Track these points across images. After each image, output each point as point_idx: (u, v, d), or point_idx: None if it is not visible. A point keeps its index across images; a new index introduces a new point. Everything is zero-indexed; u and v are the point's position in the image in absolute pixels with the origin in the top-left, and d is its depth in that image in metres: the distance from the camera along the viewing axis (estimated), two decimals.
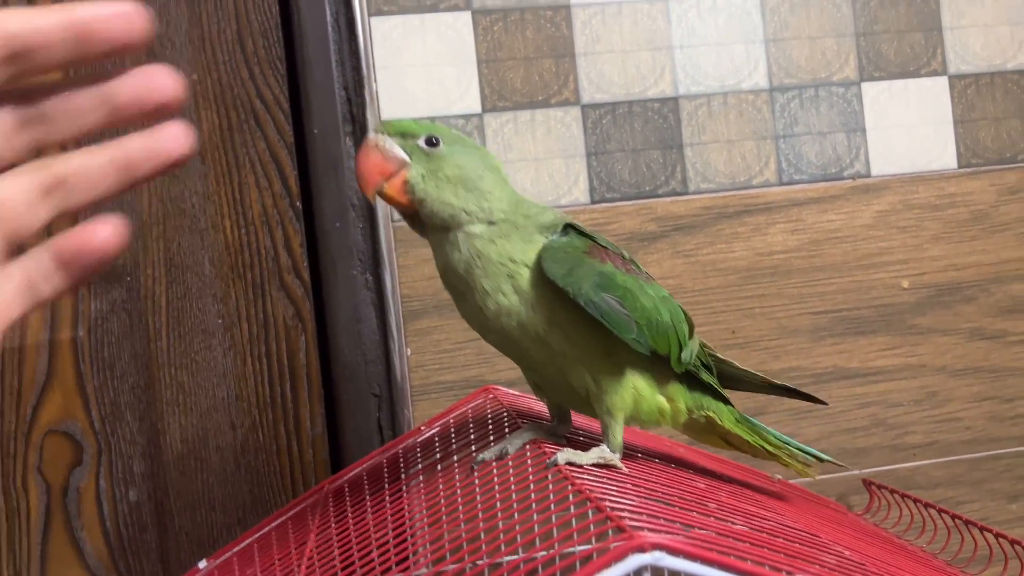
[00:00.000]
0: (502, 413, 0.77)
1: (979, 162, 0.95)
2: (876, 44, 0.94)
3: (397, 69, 0.87)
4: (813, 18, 0.93)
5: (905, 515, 0.79)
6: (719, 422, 0.63)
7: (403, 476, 0.83)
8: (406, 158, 0.53)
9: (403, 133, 0.54)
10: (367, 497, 0.82)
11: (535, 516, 0.47)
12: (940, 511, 0.75)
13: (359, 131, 0.87)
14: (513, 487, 0.51)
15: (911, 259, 0.94)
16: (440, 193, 0.53)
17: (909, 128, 0.94)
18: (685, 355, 0.58)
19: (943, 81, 0.95)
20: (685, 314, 0.60)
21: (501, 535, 0.49)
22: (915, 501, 0.79)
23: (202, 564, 0.81)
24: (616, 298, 0.53)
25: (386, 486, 0.83)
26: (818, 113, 0.93)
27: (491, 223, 0.54)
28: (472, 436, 0.81)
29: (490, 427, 0.74)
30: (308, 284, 0.88)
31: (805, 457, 0.68)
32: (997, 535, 0.68)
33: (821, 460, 0.69)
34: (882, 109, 0.94)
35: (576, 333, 0.54)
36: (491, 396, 0.85)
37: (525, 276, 0.53)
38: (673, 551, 0.35)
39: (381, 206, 0.86)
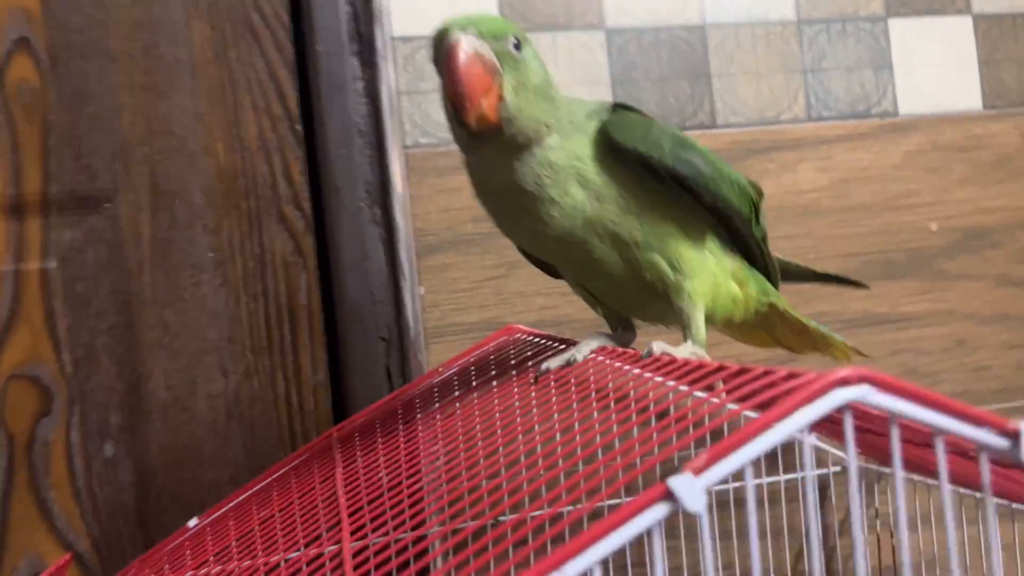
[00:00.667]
0: (535, 341, 0.70)
1: (1003, 104, 0.93)
2: None
3: None
4: None
5: None
6: (779, 308, 0.59)
7: (419, 416, 0.75)
8: (498, 66, 0.46)
9: (496, 34, 0.46)
10: (379, 440, 0.74)
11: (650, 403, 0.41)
12: None
13: (366, 50, 0.80)
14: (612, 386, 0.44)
15: (939, 201, 0.90)
16: (528, 108, 0.46)
17: (935, 67, 0.91)
18: (762, 219, 0.55)
19: (968, 20, 0.92)
20: None
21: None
22: None
23: (192, 522, 0.72)
24: (698, 155, 0.49)
25: (400, 427, 0.75)
26: (846, 48, 0.89)
27: (561, 132, 0.48)
28: (506, 367, 0.74)
29: (530, 351, 0.68)
30: (309, 217, 0.80)
31: (845, 343, 0.65)
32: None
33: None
34: (909, 46, 0.91)
35: (651, 213, 0.49)
36: (515, 336, 0.78)
37: (591, 168, 0.48)
38: (882, 385, 0.29)
39: (392, 129, 0.79)
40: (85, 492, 0.74)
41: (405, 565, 0.58)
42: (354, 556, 0.62)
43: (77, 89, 0.75)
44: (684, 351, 0.47)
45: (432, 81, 0.79)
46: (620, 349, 0.52)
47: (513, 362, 0.68)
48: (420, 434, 0.76)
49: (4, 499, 0.72)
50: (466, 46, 0.44)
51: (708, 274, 0.51)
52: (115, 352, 0.75)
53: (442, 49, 0.45)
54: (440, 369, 0.76)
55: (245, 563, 0.68)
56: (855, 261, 0.88)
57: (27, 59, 0.73)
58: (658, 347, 0.45)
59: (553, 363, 0.52)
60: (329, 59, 0.79)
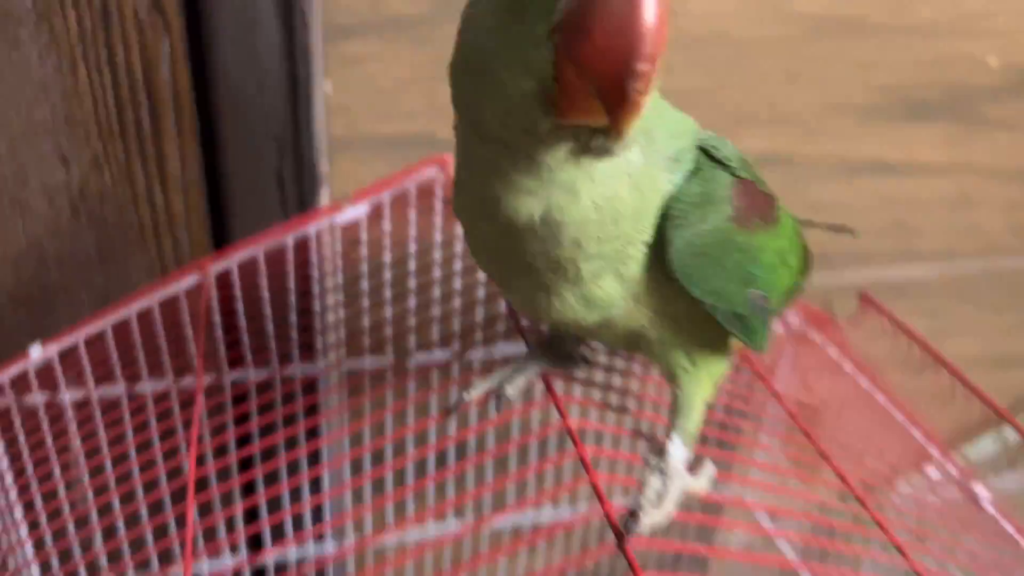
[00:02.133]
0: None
1: None
2: None
3: None
4: None
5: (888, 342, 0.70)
6: None
7: (314, 276, 0.62)
8: None
9: None
10: (263, 294, 0.62)
11: None
12: (923, 347, 0.65)
13: None
14: None
15: (1011, 31, 0.70)
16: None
17: None
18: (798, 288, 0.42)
19: None
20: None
21: None
22: (904, 331, 0.68)
23: (35, 350, 0.61)
24: (762, 294, 0.34)
25: (291, 286, 0.62)
26: None
27: (644, 149, 0.29)
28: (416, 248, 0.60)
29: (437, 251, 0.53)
30: None
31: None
32: (968, 387, 0.60)
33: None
34: None
35: (686, 320, 0.34)
36: (443, 174, 0.62)
37: (639, 257, 0.31)
38: None
39: None
40: None
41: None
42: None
43: None
44: (675, 458, 0.35)
45: None
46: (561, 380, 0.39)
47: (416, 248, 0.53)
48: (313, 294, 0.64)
49: None
50: None
51: (721, 367, 0.38)
52: None
53: None
54: (344, 204, 0.62)
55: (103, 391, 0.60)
56: (883, 96, 0.71)
57: None
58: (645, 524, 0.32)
59: (475, 391, 0.39)
60: None
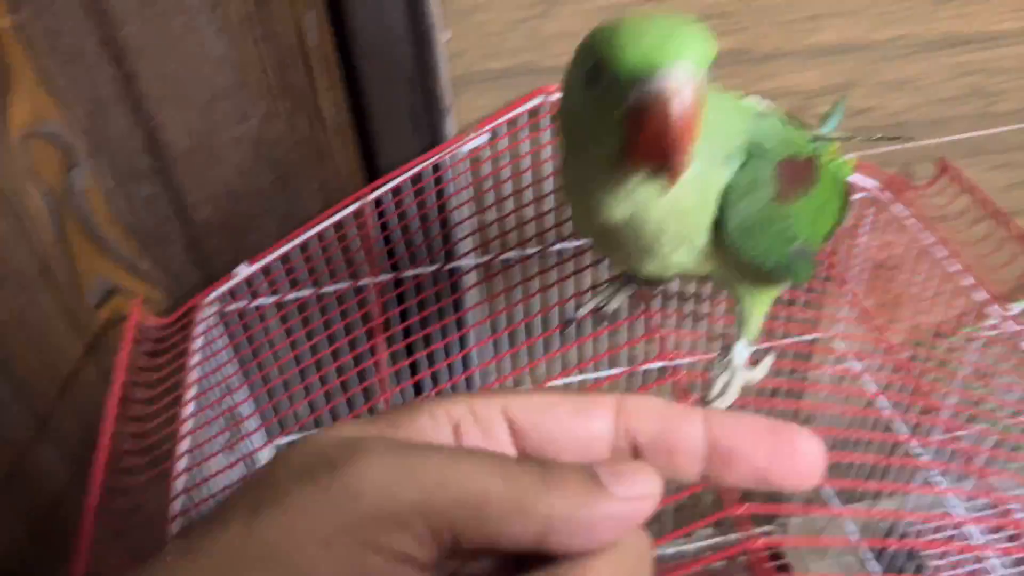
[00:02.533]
0: None
1: None
2: None
3: None
4: None
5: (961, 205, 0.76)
6: None
7: (449, 192, 0.75)
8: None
9: (708, 59, 0.34)
10: (411, 210, 0.75)
11: None
12: (998, 217, 0.71)
13: None
14: None
15: None
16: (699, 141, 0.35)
17: None
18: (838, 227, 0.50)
19: None
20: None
21: None
22: (982, 200, 0.74)
23: (242, 268, 0.78)
24: (802, 245, 0.43)
25: (433, 202, 0.76)
26: None
27: (706, 164, 0.38)
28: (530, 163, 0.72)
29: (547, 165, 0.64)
30: None
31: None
32: None
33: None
34: None
35: (746, 270, 0.44)
36: (548, 101, 0.72)
37: (704, 232, 0.41)
38: None
39: None
40: (133, 226, 0.78)
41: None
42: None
43: None
44: (739, 356, 0.48)
45: None
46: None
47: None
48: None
49: (62, 241, 0.76)
50: (687, 91, 0.32)
51: (775, 291, 0.49)
52: (124, 103, 0.71)
53: (635, 84, 0.33)
54: (471, 134, 0.74)
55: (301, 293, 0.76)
56: None
57: None
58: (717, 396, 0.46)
59: (583, 309, 0.52)
60: None
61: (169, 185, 0.76)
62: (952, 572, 0.93)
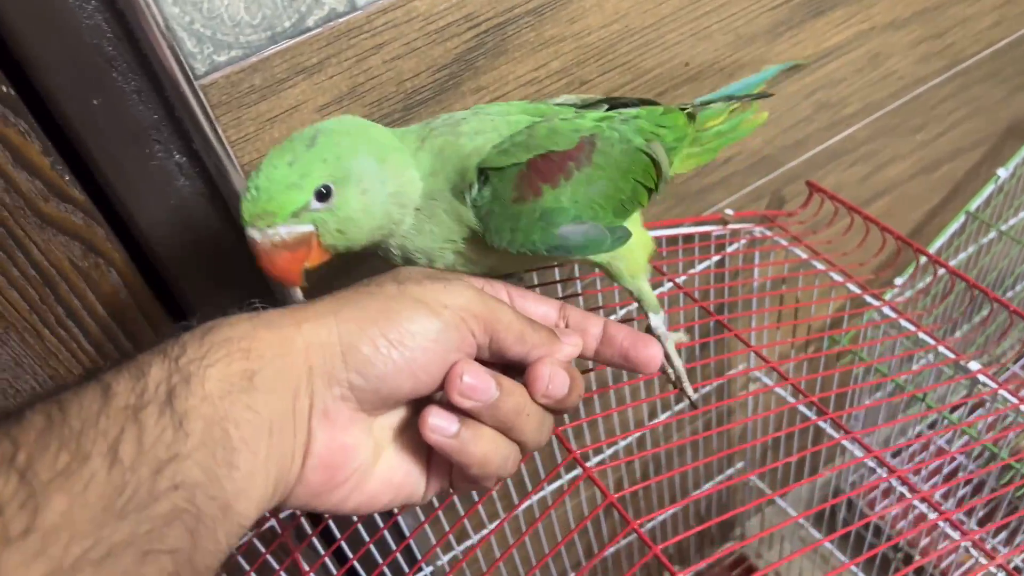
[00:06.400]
0: None
1: None
2: None
3: None
4: None
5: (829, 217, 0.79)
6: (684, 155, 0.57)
7: None
8: (310, 228, 0.41)
9: (293, 212, 0.40)
10: None
11: None
12: (866, 218, 0.77)
13: None
14: None
15: None
16: (359, 231, 0.42)
17: None
18: (661, 186, 0.52)
19: None
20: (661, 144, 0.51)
21: None
22: (849, 208, 0.76)
23: None
24: (573, 221, 0.45)
25: None
26: None
27: (416, 210, 0.43)
28: None
29: None
30: (85, 198, 0.52)
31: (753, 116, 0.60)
32: (898, 238, 0.73)
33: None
34: None
35: (541, 258, 0.46)
36: None
37: (478, 241, 0.44)
38: None
39: (164, 52, 0.48)
40: None
41: None
42: None
43: None
44: (659, 327, 0.53)
45: None
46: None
47: None
48: None
49: None
50: (261, 245, 0.40)
51: (638, 254, 0.50)
52: None
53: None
54: None
55: None
56: (784, 10, 0.71)
57: None
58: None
59: None
60: None
61: None
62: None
